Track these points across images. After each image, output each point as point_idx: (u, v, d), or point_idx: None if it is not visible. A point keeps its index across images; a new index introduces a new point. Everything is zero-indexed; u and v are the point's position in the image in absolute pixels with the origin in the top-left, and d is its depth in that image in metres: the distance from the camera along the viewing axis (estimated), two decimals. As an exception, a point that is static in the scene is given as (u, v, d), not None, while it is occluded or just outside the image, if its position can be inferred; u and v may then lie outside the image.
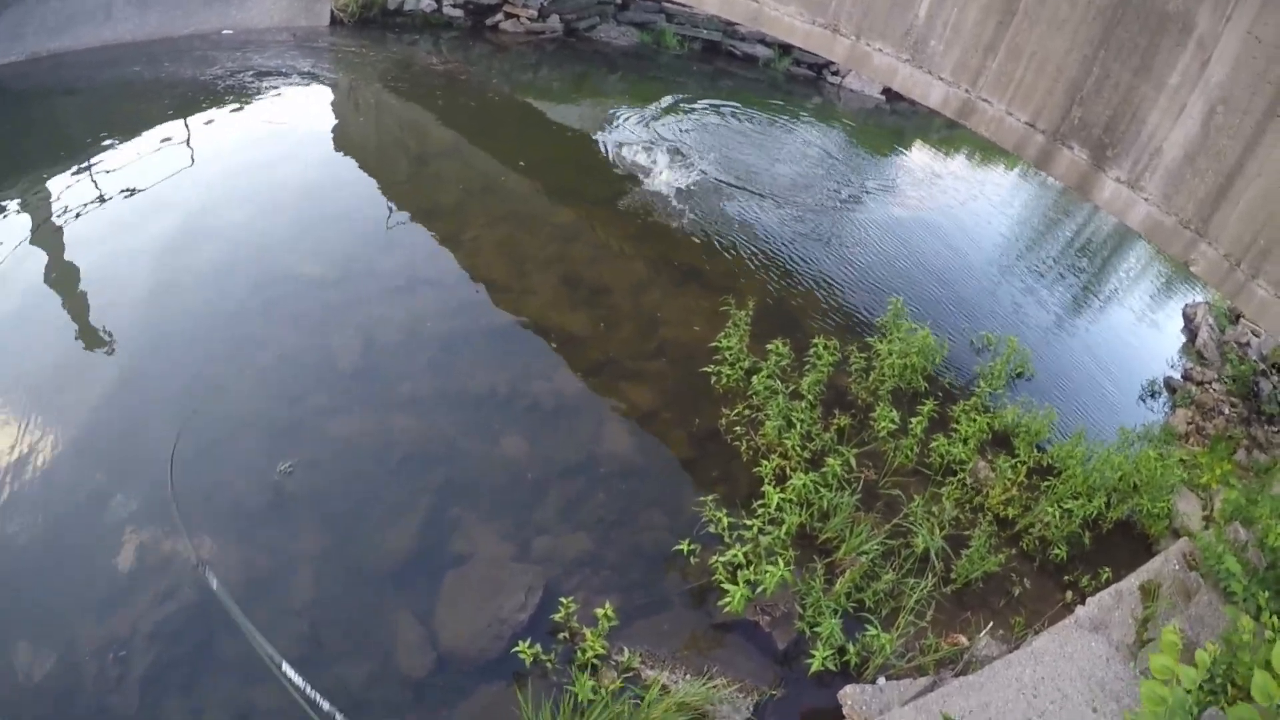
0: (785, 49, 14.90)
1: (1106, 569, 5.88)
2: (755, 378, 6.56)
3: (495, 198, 9.43)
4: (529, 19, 14.06)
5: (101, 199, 9.45)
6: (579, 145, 11.21)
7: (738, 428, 6.35)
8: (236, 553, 5.34)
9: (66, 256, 8.67)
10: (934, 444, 6.41)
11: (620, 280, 8.08)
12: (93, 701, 4.69)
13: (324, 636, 4.90)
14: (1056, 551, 5.89)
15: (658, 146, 10.93)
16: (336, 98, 11.53)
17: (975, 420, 6.62)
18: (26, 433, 6.34)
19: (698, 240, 9.01)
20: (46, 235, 9.33)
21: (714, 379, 6.75)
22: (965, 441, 6.49)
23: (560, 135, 11.52)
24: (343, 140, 10.35)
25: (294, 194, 9.06)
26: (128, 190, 9.43)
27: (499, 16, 14.00)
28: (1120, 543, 6.45)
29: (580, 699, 4.36)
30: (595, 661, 4.67)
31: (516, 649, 4.60)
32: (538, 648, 4.61)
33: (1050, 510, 5.98)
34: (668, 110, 12.23)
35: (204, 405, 6.34)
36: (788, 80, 15.07)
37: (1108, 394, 8.82)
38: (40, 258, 8.64)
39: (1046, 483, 6.40)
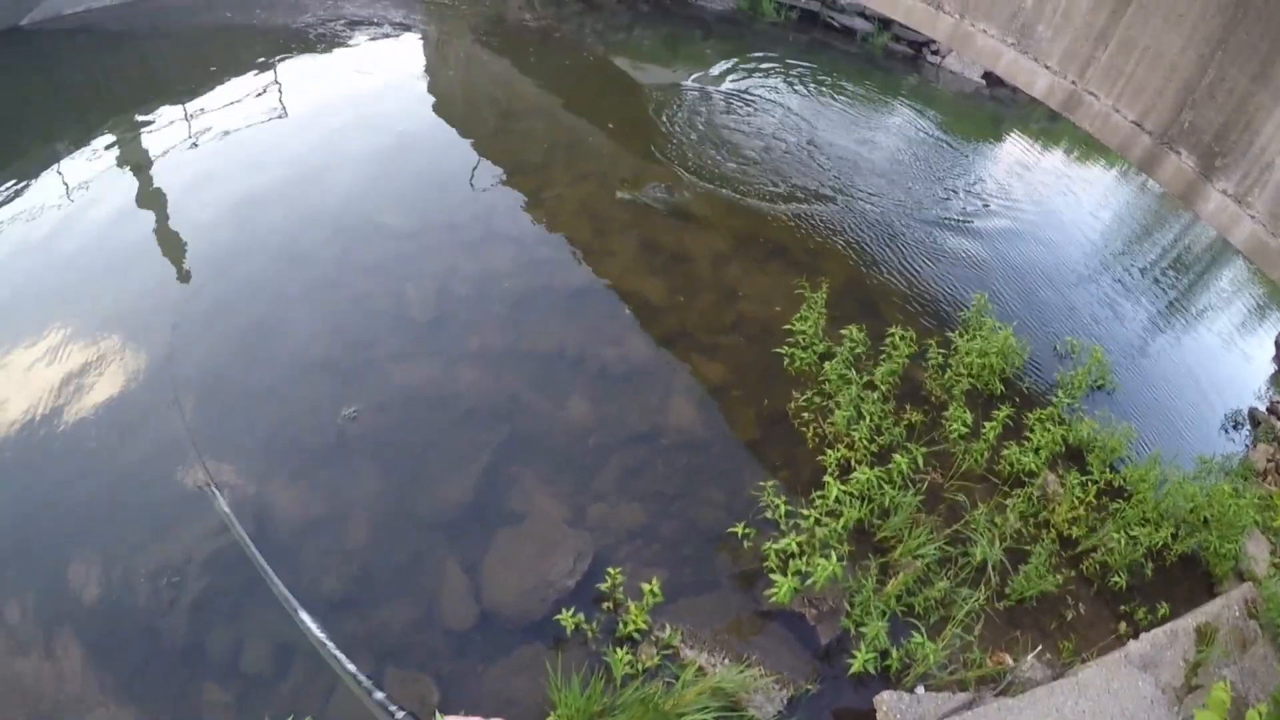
0: (885, 24, 14.19)
1: (1165, 604, 5.52)
2: (829, 364, 6.32)
3: (580, 157, 9.26)
4: (626, -23, 13.73)
5: (192, 140, 9.62)
6: (667, 109, 10.91)
7: (806, 413, 6.14)
8: (293, 492, 5.42)
9: (154, 191, 8.87)
10: (1005, 451, 6.09)
11: (702, 250, 7.83)
12: (143, 622, 4.85)
13: (373, 579, 4.96)
14: (1116, 579, 5.54)
15: (747, 118, 10.59)
16: (427, 50, 11.46)
17: (1050, 431, 6.28)
18: (102, 354, 6.53)
19: (785, 219, 8.66)
20: (137, 171, 9.54)
21: (787, 361, 6.52)
22: (1037, 452, 6.16)
23: (649, 98, 11.23)
24: (431, 92, 10.30)
25: (379, 143, 9.05)
26: (217, 132, 9.56)
27: (596, -28, 13.69)
28: (1182, 578, 6.05)
29: (615, 674, 4.32)
30: (636, 635, 4.63)
31: (559, 615, 4.57)
32: (580, 616, 4.58)
33: (1116, 535, 5.65)
34: (758, 81, 11.79)
35: (274, 343, 6.43)
36: (886, 56, 14.37)
37: (1188, 418, 8.29)
38: (130, 192, 8.85)
39: (1116, 505, 6.03)
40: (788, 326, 6.67)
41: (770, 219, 8.56)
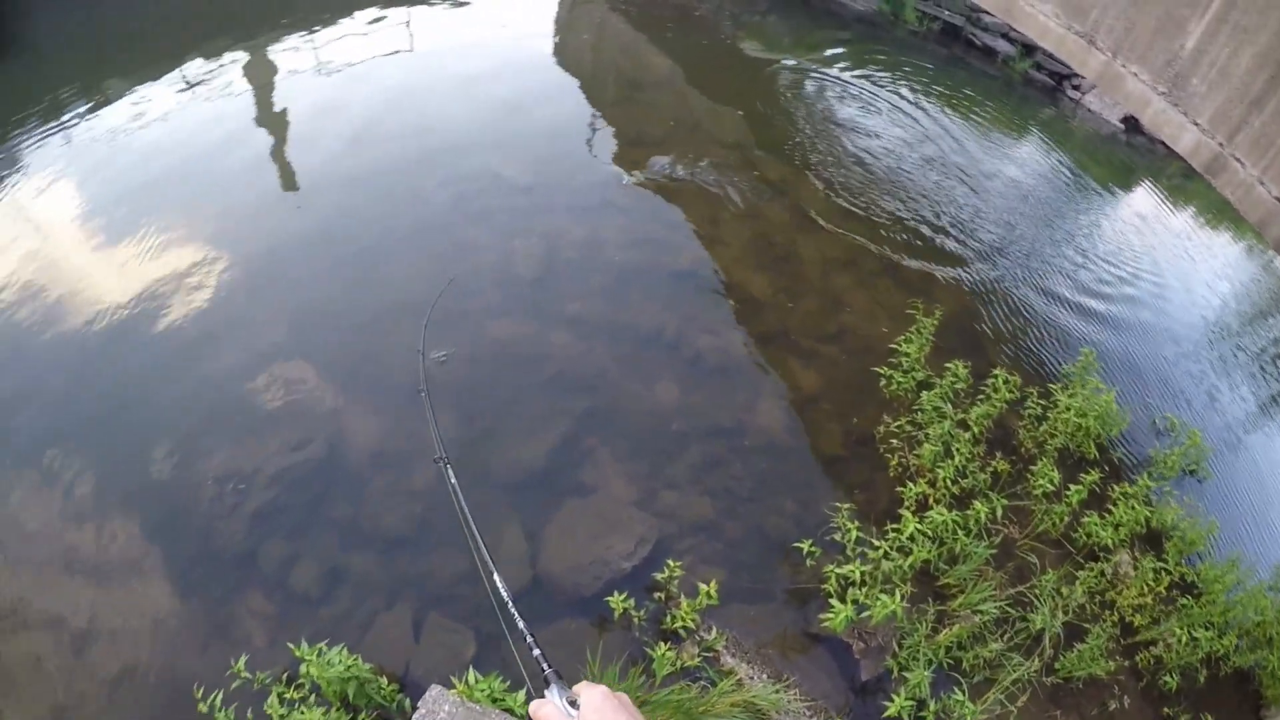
0: (1028, 49, 13.50)
1: (1210, 716, 5.17)
2: (926, 394, 6.09)
3: (703, 139, 9.05)
4: (769, -39, 13.33)
5: (318, 67, 9.75)
6: (793, 103, 10.64)
7: (894, 440, 5.94)
8: (373, 425, 5.48)
9: (276, 113, 9.03)
10: (1085, 519, 5.83)
11: (813, 253, 7.58)
12: (202, 520, 5.01)
13: (433, 524, 5.02)
14: (1168, 679, 5.22)
15: (875, 126, 10.23)
16: (560, 11, 11.33)
17: (1134, 509, 5.96)
18: (209, 261, 6.70)
19: (900, 235, 8.34)
20: (260, 92, 9.72)
21: (884, 382, 6.32)
22: (1117, 528, 5.86)
23: (777, 89, 10.92)
24: (560, 52, 10.22)
25: (502, 95, 9.03)
26: (344, 62, 9.67)
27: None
28: (1232, 692, 5.67)
29: (657, 670, 4.27)
30: (681, 632, 4.59)
31: (610, 597, 4.55)
32: (631, 601, 4.55)
33: (1179, 632, 5.37)
34: (891, 88, 11.35)
35: (374, 276, 6.49)
36: (1024, 83, 13.68)
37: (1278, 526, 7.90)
38: (253, 112, 9.02)
39: (1184, 601, 5.74)
40: (892, 346, 6.42)
41: (885, 234, 8.27)
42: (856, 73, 11.67)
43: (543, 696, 1.32)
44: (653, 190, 7.78)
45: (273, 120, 8.89)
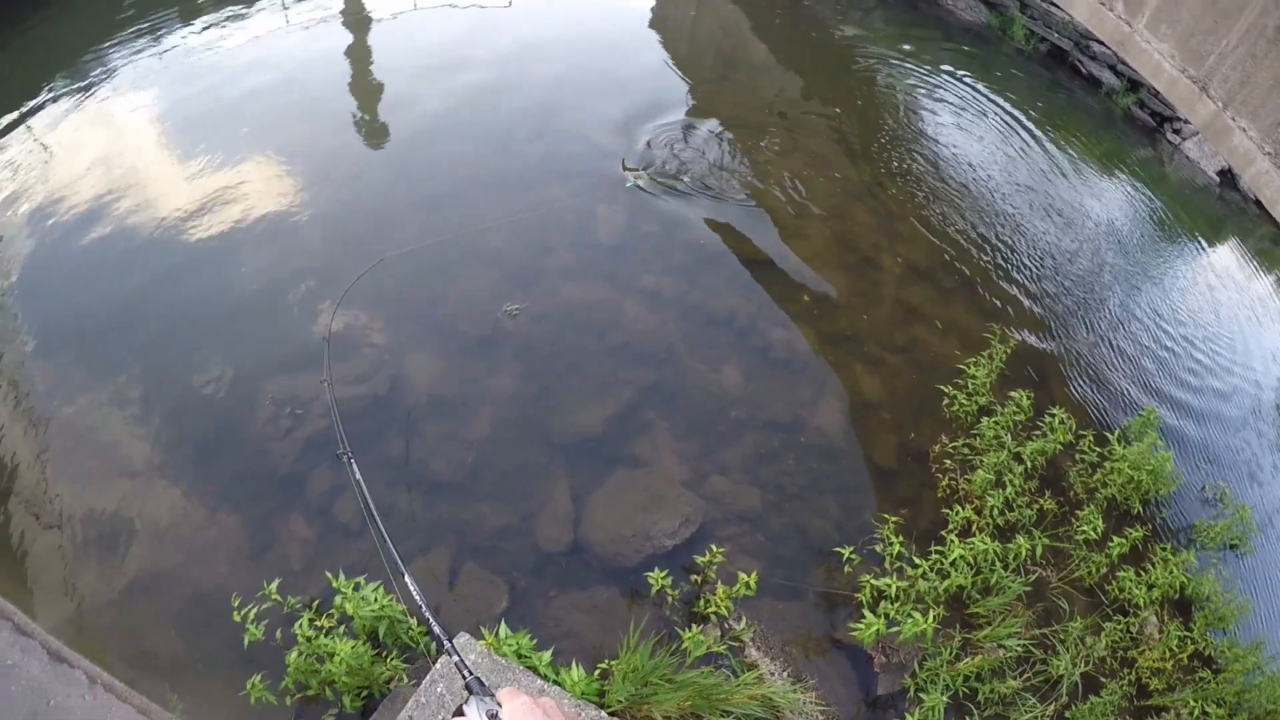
0: (1133, 85, 12.99)
1: None
2: (986, 420, 5.97)
3: (796, 129, 8.82)
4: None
5: (414, 4, 9.69)
6: (891, 105, 10.38)
7: (948, 461, 5.84)
8: (436, 370, 5.48)
9: (363, 45, 9.01)
10: (1121, 573, 5.74)
11: (892, 261, 7.40)
12: (254, 441, 5.07)
13: (482, 474, 5.03)
14: None
15: (965, 141, 9.95)
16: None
17: (1171, 573, 5.91)
18: (288, 190, 6.73)
19: (981, 256, 8.12)
20: (356, 23, 9.68)
21: (947, 401, 6.19)
22: (1151, 588, 5.79)
23: (876, 88, 10.62)
24: (658, 20, 9.99)
25: (596, 56, 8.90)
26: (442, 2, 9.60)
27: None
28: None
29: (689, 652, 4.25)
30: (713, 617, 4.60)
31: (649, 572, 4.54)
32: (669, 580, 4.54)
33: (1192, 704, 5.28)
34: (986, 105, 10.95)
35: (452, 221, 6.46)
36: (1124, 119, 13.25)
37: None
38: (344, 42, 9.00)
39: (1203, 674, 5.68)
40: (960, 367, 6.29)
41: (967, 252, 8.05)
42: (956, 81, 11.31)
43: (461, 714, 1.23)
44: (740, 175, 7.64)
45: (364, 55, 8.90)
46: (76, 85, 8.57)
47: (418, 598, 2.46)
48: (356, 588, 4.11)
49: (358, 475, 3.22)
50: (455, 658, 1.65)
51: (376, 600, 4.06)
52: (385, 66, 8.53)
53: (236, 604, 4.02)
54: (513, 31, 9.41)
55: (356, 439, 5.13)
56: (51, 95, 8.58)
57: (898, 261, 7.38)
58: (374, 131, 7.74)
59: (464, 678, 1.46)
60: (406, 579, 2.51)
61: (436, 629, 2.04)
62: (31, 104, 8.37)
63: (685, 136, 8.00)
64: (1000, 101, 11.23)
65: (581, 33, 9.64)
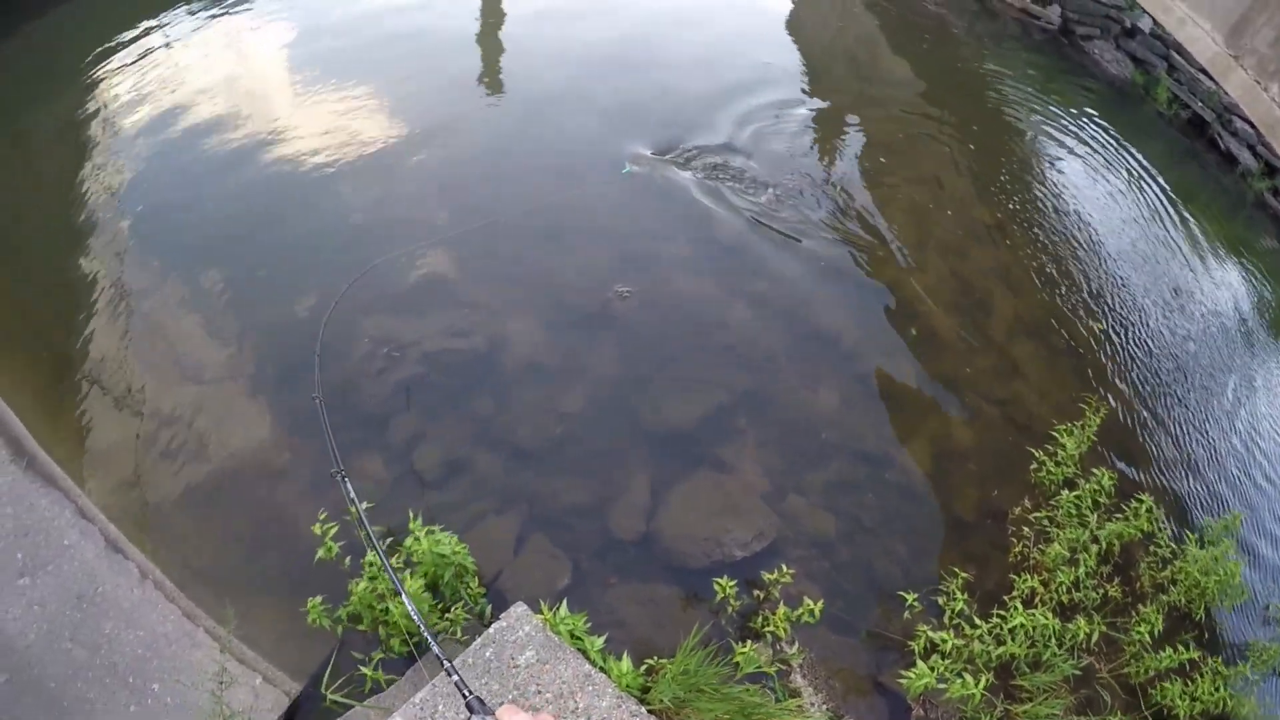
0: (1270, 170, 12.43)
1: None
2: (1068, 493, 5.77)
3: (926, 156, 8.55)
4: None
5: None
6: (1017, 145, 10.04)
7: (1025, 527, 5.67)
8: (539, 338, 5.49)
9: (503, 10, 9.04)
10: (1168, 682, 5.66)
11: (1007, 310, 7.13)
12: (348, 373, 5.15)
13: (565, 450, 5.03)
14: None
15: (1093, 196, 9.62)
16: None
17: (1218, 692, 5.73)
18: (406, 136, 6.77)
19: (1094, 323, 7.76)
20: None
21: (1035, 466, 5.98)
22: (1194, 700, 5.65)
23: (1012, 125, 10.33)
24: (794, 24, 9.78)
25: (727, 47, 8.76)
26: None
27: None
28: None
29: (741, 667, 4.20)
30: (768, 635, 4.54)
31: (716, 579, 4.48)
32: (734, 590, 4.46)
33: None
34: (1117, 159, 10.61)
35: (569, 192, 6.44)
36: (1255, 204, 12.62)
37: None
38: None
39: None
40: (1053, 433, 6.08)
41: (1079, 315, 7.75)
42: (1090, 133, 10.91)
43: None
44: (866, 194, 7.47)
45: (492, 12, 8.94)
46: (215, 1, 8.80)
47: (415, 616, 2.51)
48: (431, 531, 4.11)
49: (352, 494, 3.14)
50: (455, 677, 1.66)
51: (450, 546, 4.05)
52: (513, 31, 8.56)
53: (323, 517, 4.01)
54: (639, 12, 9.39)
55: (446, 392, 5.22)
56: (189, 9, 8.80)
57: (1009, 311, 7.17)
58: (499, 91, 7.77)
59: (464, 696, 1.46)
60: (404, 598, 2.60)
61: (435, 648, 2.07)
62: (170, 14, 8.61)
63: (810, 142, 7.88)
64: (1132, 162, 10.79)
65: (712, 22, 9.52)
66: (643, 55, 8.42)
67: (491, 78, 8.14)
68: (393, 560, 4.13)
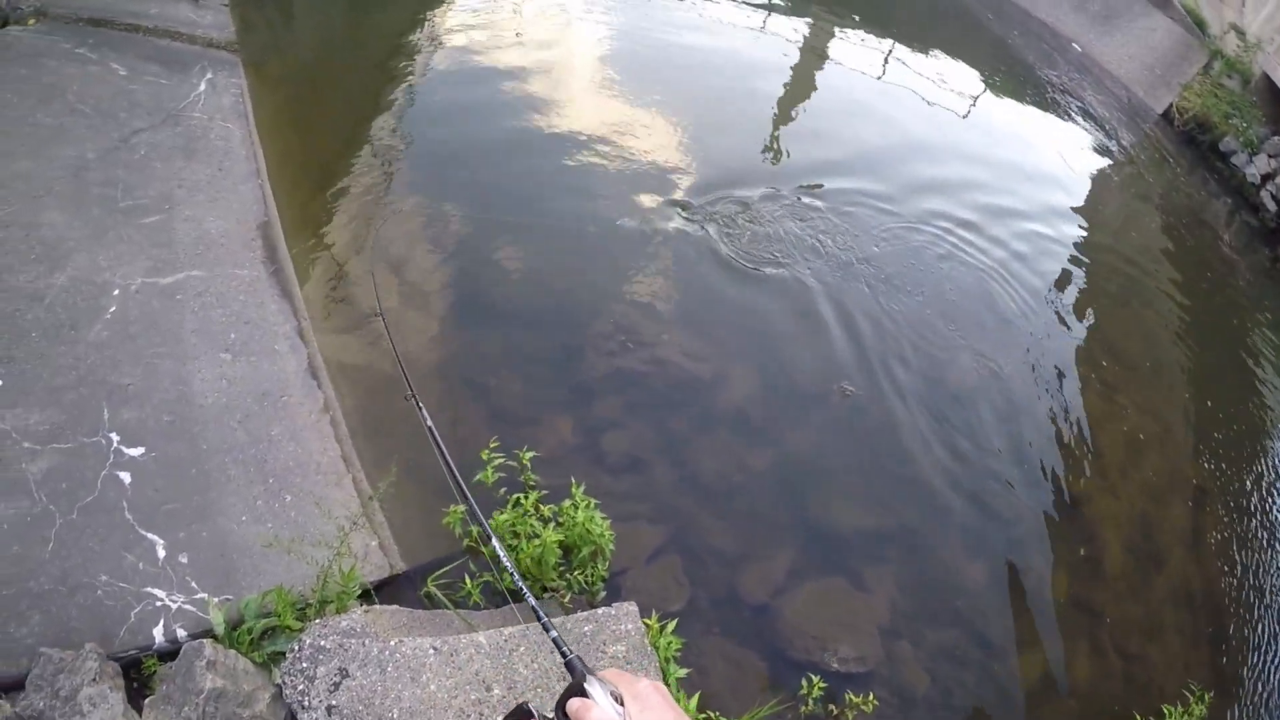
0: None
1: None
2: None
3: (1163, 389, 8.26)
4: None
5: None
6: (1256, 403, 9.37)
7: None
8: (752, 391, 5.85)
9: (807, 83, 9.84)
10: None
11: (1176, 571, 6.71)
12: (577, 341, 5.65)
13: (734, 498, 5.22)
14: None
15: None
16: (1101, 176, 10.68)
17: None
18: (691, 151, 7.42)
19: (1258, 634, 6.93)
20: (811, 59, 10.74)
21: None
22: None
23: (1252, 381, 9.71)
24: (1089, 208, 9.68)
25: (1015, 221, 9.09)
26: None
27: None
28: None
29: None
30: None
31: (810, 675, 4.55)
32: (820, 691, 4.51)
33: None
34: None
35: (830, 286, 6.80)
36: None
37: None
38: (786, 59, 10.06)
39: None
40: (1163, 709, 5.82)
41: (1247, 614, 7.03)
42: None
43: (581, 692, 1.12)
44: (1082, 407, 7.38)
45: (801, 90, 9.39)
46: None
47: (506, 562, 2.40)
48: (590, 505, 4.40)
49: (429, 422, 3.11)
50: (554, 633, 1.54)
51: (601, 527, 4.33)
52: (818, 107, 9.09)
53: (494, 445, 4.40)
54: (977, 142, 9.49)
55: (654, 397, 5.58)
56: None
57: (1179, 576, 6.86)
58: (778, 153, 8.20)
59: (564, 655, 1.33)
60: (494, 542, 2.47)
61: (532, 601, 1.88)
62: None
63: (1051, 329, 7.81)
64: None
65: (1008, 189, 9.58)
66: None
67: (779, 138, 8.62)
68: (545, 509, 4.45)
